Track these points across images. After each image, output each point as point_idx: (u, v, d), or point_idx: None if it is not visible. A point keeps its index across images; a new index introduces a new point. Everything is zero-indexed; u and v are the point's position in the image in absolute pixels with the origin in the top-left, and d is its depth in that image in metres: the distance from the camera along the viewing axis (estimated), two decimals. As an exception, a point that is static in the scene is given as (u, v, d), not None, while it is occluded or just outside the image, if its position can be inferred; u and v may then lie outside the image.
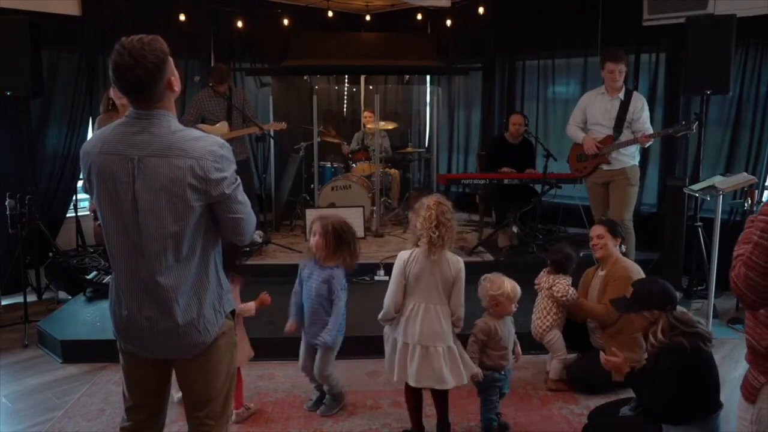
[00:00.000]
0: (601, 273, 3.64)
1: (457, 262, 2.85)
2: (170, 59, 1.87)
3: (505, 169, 5.74)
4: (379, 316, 2.92)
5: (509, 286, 3.02)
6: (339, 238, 3.14)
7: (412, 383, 2.85)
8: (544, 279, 3.66)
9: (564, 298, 3.51)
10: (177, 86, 1.91)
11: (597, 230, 3.63)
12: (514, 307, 3.04)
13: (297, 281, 3.29)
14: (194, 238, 1.91)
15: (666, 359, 2.49)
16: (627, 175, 4.80)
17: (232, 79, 5.77)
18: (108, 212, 1.89)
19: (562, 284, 3.54)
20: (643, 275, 3.47)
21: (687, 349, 2.44)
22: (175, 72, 1.90)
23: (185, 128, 1.91)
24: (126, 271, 1.92)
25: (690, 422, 2.50)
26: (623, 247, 3.67)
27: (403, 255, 2.87)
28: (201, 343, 1.99)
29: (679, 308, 2.64)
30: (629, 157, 4.83)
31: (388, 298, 2.86)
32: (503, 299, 3.00)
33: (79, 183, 5.88)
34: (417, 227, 2.80)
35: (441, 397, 3.04)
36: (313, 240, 3.18)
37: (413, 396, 3.04)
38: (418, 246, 2.83)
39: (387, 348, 2.97)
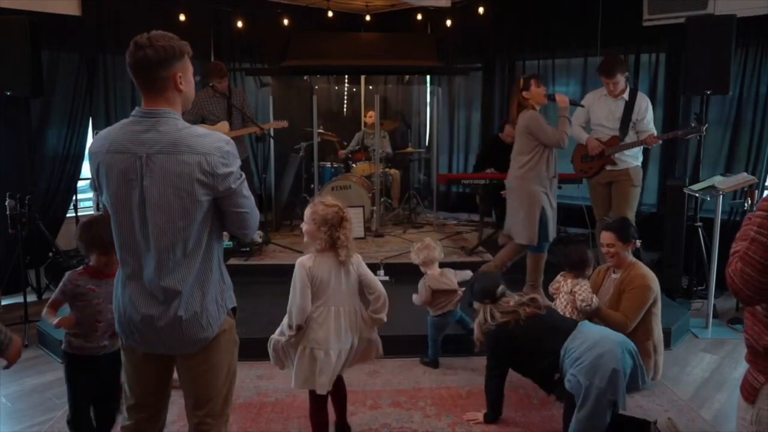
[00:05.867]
0: (614, 276, 3.57)
1: (357, 263, 2.87)
2: (186, 60, 1.96)
3: (490, 170, 5.75)
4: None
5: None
6: None
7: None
8: (561, 283, 3.59)
9: (587, 307, 3.38)
10: (184, 87, 1.96)
11: (606, 238, 3.51)
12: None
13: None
14: (201, 232, 1.95)
15: (486, 343, 3.15)
16: (630, 175, 4.78)
17: (229, 75, 5.78)
18: (117, 209, 1.94)
19: (585, 292, 3.42)
20: (656, 282, 3.44)
21: (493, 332, 3.07)
22: (189, 75, 1.98)
23: (191, 126, 1.96)
24: (133, 267, 1.97)
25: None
26: (638, 242, 3.61)
27: (304, 262, 2.80)
28: (203, 339, 2.01)
29: (505, 298, 3.16)
30: (632, 157, 4.81)
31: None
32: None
33: (80, 183, 5.89)
34: (319, 236, 2.73)
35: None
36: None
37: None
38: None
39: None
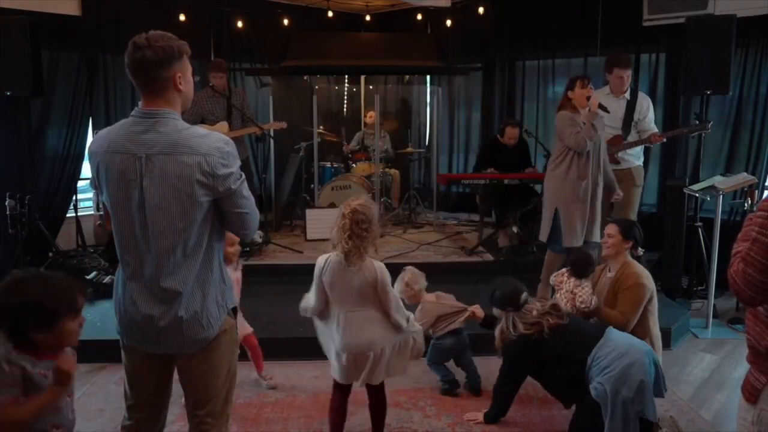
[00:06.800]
0: (609, 274, 3.57)
1: (372, 271, 2.63)
2: (185, 60, 1.95)
3: (490, 170, 5.76)
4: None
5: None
6: None
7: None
8: (564, 279, 3.55)
9: (585, 308, 3.38)
10: (184, 87, 1.96)
11: (610, 228, 3.55)
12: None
13: None
14: (201, 233, 1.95)
15: (505, 352, 3.08)
16: (632, 175, 4.80)
17: (228, 74, 5.78)
18: (117, 209, 1.94)
19: (585, 293, 3.42)
20: (651, 280, 3.43)
21: (514, 342, 2.99)
22: (188, 75, 1.97)
23: (190, 126, 1.96)
24: (133, 267, 1.97)
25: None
26: (641, 250, 3.62)
27: (319, 261, 2.71)
28: (204, 339, 2.01)
29: (528, 305, 3.05)
30: (634, 157, 4.83)
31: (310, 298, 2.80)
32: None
33: (80, 183, 5.90)
34: (332, 235, 2.64)
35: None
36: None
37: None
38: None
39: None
